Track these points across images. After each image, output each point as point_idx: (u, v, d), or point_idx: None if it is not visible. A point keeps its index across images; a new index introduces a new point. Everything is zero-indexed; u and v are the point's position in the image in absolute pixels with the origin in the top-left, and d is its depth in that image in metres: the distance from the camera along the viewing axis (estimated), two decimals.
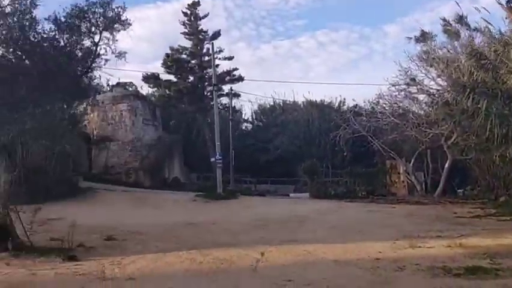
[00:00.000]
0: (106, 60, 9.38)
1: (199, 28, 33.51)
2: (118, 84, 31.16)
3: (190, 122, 35.38)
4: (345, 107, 36.79)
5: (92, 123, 30.09)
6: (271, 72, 66.49)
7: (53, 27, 8.19)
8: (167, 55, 32.57)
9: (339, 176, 26.76)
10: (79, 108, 29.04)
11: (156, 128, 30.88)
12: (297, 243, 9.51)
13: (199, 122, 34.51)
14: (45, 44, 8.32)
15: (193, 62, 33.59)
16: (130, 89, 33.58)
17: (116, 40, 8.82)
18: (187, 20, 33.33)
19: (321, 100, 40.64)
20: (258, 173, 35.10)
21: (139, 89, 33.71)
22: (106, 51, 9.07)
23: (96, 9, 8.52)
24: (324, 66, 73.26)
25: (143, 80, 33.23)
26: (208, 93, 32.57)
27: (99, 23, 8.56)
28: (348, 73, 67.73)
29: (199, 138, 35.10)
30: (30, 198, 18.61)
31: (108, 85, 31.74)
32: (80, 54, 9.01)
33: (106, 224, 13.29)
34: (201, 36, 33.50)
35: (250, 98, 47.58)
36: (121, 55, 9.15)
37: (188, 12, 33.42)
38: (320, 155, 33.95)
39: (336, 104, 39.59)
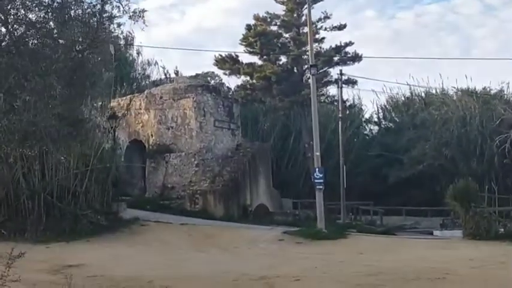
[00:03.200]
0: (119, 24, 8.67)
1: None
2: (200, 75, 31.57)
3: (283, 124, 34.73)
4: None
5: (147, 126, 30.57)
6: (411, 52, 64.23)
7: None
8: (248, 27, 32.25)
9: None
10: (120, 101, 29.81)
11: (233, 133, 30.57)
12: None
13: (296, 123, 33.68)
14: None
15: (286, 35, 32.97)
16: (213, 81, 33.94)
17: None
18: None
19: (484, 88, 38.03)
20: (385, 198, 33.70)
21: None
22: (119, 10, 8.38)
23: None
24: (493, 40, 69.54)
25: (216, 64, 33.23)
26: (309, 80, 31.65)
27: None
28: None
29: (296, 146, 34.29)
30: (54, 234, 19.35)
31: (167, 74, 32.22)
32: (80, 14, 8.39)
33: (143, 275, 12.91)
34: None
35: (375, 88, 45.75)
36: (136, 15, 8.40)
37: None
38: (482, 171, 31.66)
39: (510, 94, 36.81)
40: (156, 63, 40.33)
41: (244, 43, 32.78)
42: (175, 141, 29.42)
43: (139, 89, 35.24)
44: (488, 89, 37.61)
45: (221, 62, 33.35)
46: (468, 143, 33.72)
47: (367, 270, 13.34)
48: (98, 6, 8.74)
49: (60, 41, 8.76)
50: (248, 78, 33.50)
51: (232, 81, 36.92)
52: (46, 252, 17.03)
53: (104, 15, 9.09)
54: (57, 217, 19.96)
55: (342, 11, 69.48)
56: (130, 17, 8.68)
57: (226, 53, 33.31)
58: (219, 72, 36.40)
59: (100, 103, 25.36)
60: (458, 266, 13.83)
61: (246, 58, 33.72)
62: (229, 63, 33.22)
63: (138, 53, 40.28)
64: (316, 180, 22.19)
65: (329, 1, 67.95)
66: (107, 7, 8.91)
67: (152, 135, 30.40)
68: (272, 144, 33.45)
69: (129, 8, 8.66)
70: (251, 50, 32.65)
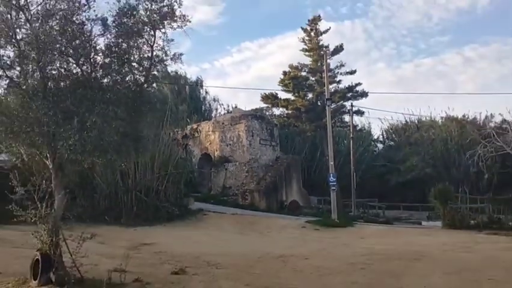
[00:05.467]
0: (165, 64, 8.14)
1: (320, 43, 31.97)
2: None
3: (310, 142, 33.81)
4: (491, 124, 32.00)
5: (213, 144, 30.36)
6: (413, 91, 62.99)
7: (101, 29, 7.02)
8: (284, 73, 31.58)
9: (480, 203, 22.68)
10: (193, 126, 29.63)
11: (274, 149, 29.87)
12: None
13: (321, 142, 32.74)
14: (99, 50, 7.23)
15: (312, 79, 32.15)
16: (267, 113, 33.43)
17: (172, 40, 7.52)
18: (307, 36, 32.02)
19: (462, 116, 36.17)
20: (388, 197, 32.31)
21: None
22: (165, 53, 7.85)
23: (147, 5, 7.32)
24: (471, 83, 67.34)
25: (261, 100, 32.68)
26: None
27: (152, 21, 7.35)
28: (499, 90, 60.75)
29: (321, 158, 33.30)
30: (141, 220, 19.06)
31: (228, 106, 31.89)
32: (137, 58, 7.87)
33: (194, 251, 12.30)
34: (321, 52, 31.90)
35: (379, 116, 44.42)
36: (175, 57, 7.84)
37: (309, 28, 32.15)
38: (459, 177, 30.01)
39: (481, 120, 34.74)
40: (219, 99, 40.44)
41: (281, 84, 32.15)
42: (232, 154, 29.00)
43: (209, 118, 35.08)
44: (466, 116, 35.87)
45: (265, 98, 32.79)
46: (449, 157, 32.07)
47: (362, 251, 12.35)
48: (150, 54, 8.20)
49: (120, 77, 8.30)
50: (284, 109, 32.78)
51: (273, 112, 36.12)
52: (133, 233, 16.68)
53: (156, 59, 8.54)
54: (143, 208, 19.67)
55: (361, 63, 68.65)
56: (171, 59, 8.12)
57: (269, 92, 32.80)
58: (265, 105, 35.70)
59: (178, 128, 25.32)
60: (433, 249, 12.70)
61: (283, 95, 33.13)
62: (271, 99, 32.62)
63: (206, 92, 40.29)
64: (331, 183, 21.22)
65: (349, 56, 67.30)
66: (158, 52, 8.34)
67: (216, 150, 30.11)
68: (304, 157, 32.54)
69: (170, 52, 8.10)
70: (286, 89, 31.99)
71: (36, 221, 7.67)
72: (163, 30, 7.76)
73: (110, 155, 8.29)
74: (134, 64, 8.45)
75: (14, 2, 7.78)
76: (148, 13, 7.67)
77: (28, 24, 7.85)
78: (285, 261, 10.81)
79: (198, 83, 36.01)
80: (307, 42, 32.22)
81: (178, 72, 38.31)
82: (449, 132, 33.85)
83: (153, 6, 7.56)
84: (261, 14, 78.09)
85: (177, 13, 7.68)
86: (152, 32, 7.93)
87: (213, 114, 37.69)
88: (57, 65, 7.92)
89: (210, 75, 77.13)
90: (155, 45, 8.05)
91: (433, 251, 12.18)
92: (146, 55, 8.45)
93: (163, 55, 8.28)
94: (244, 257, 11.36)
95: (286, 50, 71.16)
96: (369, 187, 34.13)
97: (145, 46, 8.22)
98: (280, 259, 11.10)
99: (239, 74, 76.47)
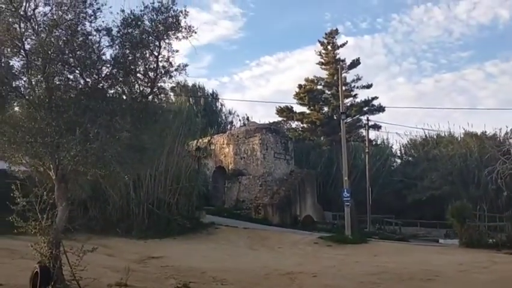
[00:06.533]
0: (170, 75, 8.03)
1: (337, 57, 31.76)
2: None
3: (326, 156, 33.41)
4: (511, 140, 31.18)
5: (228, 157, 30.26)
6: (433, 106, 62.29)
7: (109, 40, 6.96)
8: (299, 86, 31.40)
9: (499, 221, 21.97)
10: (209, 139, 29.57)
11: (288, 162, 29.61)
12: None
13: (336, 156, 32.33)
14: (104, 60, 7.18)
15: (328, 92, 31.87)
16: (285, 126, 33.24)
17: (177, 51, 7.43)
18: (323, 50, 31.87)
19: (482, 132, 35.33)
20: (405, 213, 31.70)
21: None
22: (170, 63, 7.76)
23: (153, 16, 7.25)
24: (493, 99, 66.36)
25: (276, 113, 32.50)
26: (345, 125, 30.42)
27: (156, 31, 7.27)
28: None
29: (337, 173, 32.85)
30: (152, 233, 18.91)
31: (243, 119, 31.77)
32: (142, 69, 7.80)
33: (202, 266, 12.12)
34: (338, 66, 31.69)
35: (398, 131, 43.79)
36: (180, 68, 7.74)
37: (326, 41, 32.00)
38: (478, 194, 29.16)
39: (501, 137, 33.88)
40: (235, 112, 40.40)
41: (296, 97, 31.95)
42: (246, 167, 28.85)
43: (224, 130, 35.03)
44: (486, 132, 35.03)
45: (281, 111, 32.61)
46: (467, 173, 31.25)
47: (374, 269, 11.98)
48: (155, 64, 8.11)
49: (126, 88, 8.23)
50: (300, 123, 32.52)
51: (290, 125, 35.81)
52: (142, 246, 16.57)
53: (162, 70, 8.44)
54: (155, 220, 19.56)
55: (381, 78, 68.30)
56: (176, 70, 8.02)
57: (284, 105, 32.61)
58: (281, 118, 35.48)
59: (192, 141, 25.23)
60: (448, 269, 12.22)
61: (298, 108, 32.91)
62: (286, 112, 32.42)
63: (222, 105, 40.33)
64: (344, 198, 20.81)
65: (369, 70, 67.00)
66: (163, 64, 8.25)
67: (230, 163, 30.01)
68: (319, 171, 32.12)
69: (175, 63, 8.00)
70: (302, 102, 31.75)
71: (36, 233, 7.59)
72: (167, 41, 7.66)
73: (114, 166, 8.18)
74: (139, 75, 8.39)
75: (21, 13, 7.79)
76: (152, 24, 7.59)
77: (35, 35, 7.85)
78: (292, 278, 10.51)
79: (214, 96, 36.16)
80: (323, 55, 32.05)
81: (196, 85, 38.61)
82: (469, 149, 33.08)
83: (158, 17, 7.49)
84: (281, 29, 78.46)
85: (182, 24, 7.60)
86: (157, 43, 7.85)
87: (228, 127, 37.66)
88: (63, 75, 7.89)
89: (229, 88, 77.53)
90: (160, 56, 7.96)
91: (448, 271, 11.73)
92: (151, 66, 8.38)
93: (169, 66, 8.20)
94: (252, 273, 11.11)
95: (306, 64, 71.32)
96: (386, 203, 33.46)
97: (150, 57, 8.15)
98: (288, 276, 10.81)
99: (258, 87, 76.74)
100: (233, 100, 68.69)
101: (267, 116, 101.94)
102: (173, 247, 16.32)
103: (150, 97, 8.78)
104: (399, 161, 43.11)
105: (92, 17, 7.73)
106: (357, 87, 31.19)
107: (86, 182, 9.73)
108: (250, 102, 77.01)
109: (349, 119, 29.50)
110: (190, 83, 37.33)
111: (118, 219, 19.31)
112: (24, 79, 8.10)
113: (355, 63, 31.70)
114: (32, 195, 8.00)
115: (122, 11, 7.30)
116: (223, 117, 39.24)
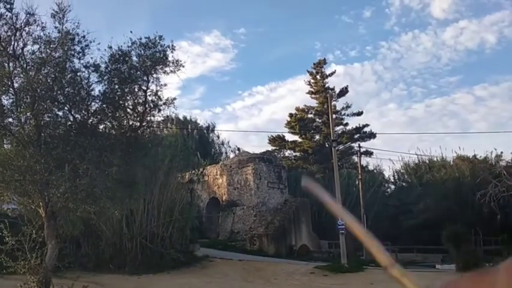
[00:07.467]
0: (159, 109, 8.08)
1: (326, 86, 32.19)
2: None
3: (322, 184, 33.11)
4: (503, 163, 31.34)
5: (221, 187, 30.10)
6: (424, 131, 62.92)
7: (98, 76, 7.03)
8: (290, 115, 31.67)
9: (494, 244, 21.90)
10: (201, 170, 29.48)
11: (282, 191, 29.49)
12: None
13: (329, 183, 32.30)
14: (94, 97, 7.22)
15: (319, 121, 32.13)
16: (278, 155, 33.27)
17: (165, 85, 7.51)
18: (312, 79, 32.31)
19: (473, 155, 35.59)
20: (401, 239, 31.43)
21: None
22: (159, 97, 7.82)
23: (140, 51, 7.35)
24: (484, 122, 67.16)
25: (269, 142, 32.63)
26: (337, 152, 30.55)
27: (144, 66, 7.36)
28: None
29: None
30: (145, 268, 18.63)
31: (234, 149, 31.74)
32: (131, 103, 7.85)
33: None
34: (327, 95, 32.09)
35: (390, 156, 43.96)
36: (168, 102, 7.80)
37: (314, 71, 32.48)
38: (473, 218, 29.07)
39: (493, 159, 34.08)
40: (228, 142, 40.44)
41: (287, 126, 32.16)
42: (240, 197, 28.69)
43: (217, 161, 35.00)
44: (477, 156, 35.27)
45: (273, 140, 32.74)
46: (461, 197, 31.25)
47: None
48: (144, 98, 8.17)
49: (115, 123, 8.26)
50: (292, 151, 32.64)
51: (284, 154, 35.90)
52: (136, 282, 16.32)
53: (151, 104, 8.51)
54: (148, 255, 19.26)
55: (371, 105, 69.12)
56: (164, 103, 8.09)
57: (276, 134, 32.78)
58: (273, 147, 35.60)
59: (184, 173, 25.15)
60: None
61: (290, 137, 33.06)
62: (278, 141, 32.55)
63: (218, 137, 40.41)
64: (339, 226, 20.68)
65: (360, 97, 67.73)
66: (151, 98, 8.32)
67: (224, 193, 29.83)
68: (314, 200, 31.97)
69: (163, 97, 8.07)
70: (293, 131, 31.94)
71: (25, 272, 7.47)
72: (155, 75, 7.76)
73: (104, 202, 8.14)
74: (128, 110, 8.45)
75: (10, 52, 7.88)
76: (140, 59, 7.70)
77: (24, 73, 7.92)
78: None
79: (209, 127, 36.37)
80: (313, 84, 32.48)
81: (187, 118, 38.73)
82: (461, 172, 33.27)
83: (146, 52, 7.60)
84: (272, 59, 79.61)
85: (170, 58, 7.71)
86: (145, 77, 7.94)
87: (222, 158, 37.66)
88: (52, 112, 7.93)
89: (222, 119, 78.02)
90: (148, 90, 8.04)
91: None
92: (140, 100, 8.45)
93: (157, 100, 8.28)
94: None
95: (297, 93, 72.02)
96: (381, 229, 33.15)
97: (139, 91, 8.24)
98: None
99: (251, 117, 77.27)
100: (225, 131, 68.91)
101: (260, 146, 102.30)
102: (166, 282, 16.08)
103: (139, 131, 8.82)
104: (393, 186, 43.16)
105: (81, 54, 7.86)
106: (348, 115, 31.70)
107: (78, 219, 9.64)
108: (244, 132, 77.22)
109: (341, 146, 29.71)
110: (183, 115, 37.56)
111: (111, 255, 19.01)
112: (13, 117, 8.12)
113: (344, 91, 32.15)
114: (21, 234, 7.92)
115: (110, 47, 7.41)
116: (217, 148, 39.32)
